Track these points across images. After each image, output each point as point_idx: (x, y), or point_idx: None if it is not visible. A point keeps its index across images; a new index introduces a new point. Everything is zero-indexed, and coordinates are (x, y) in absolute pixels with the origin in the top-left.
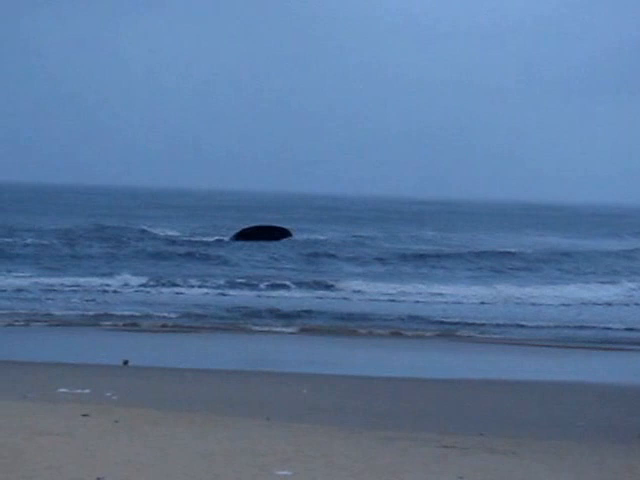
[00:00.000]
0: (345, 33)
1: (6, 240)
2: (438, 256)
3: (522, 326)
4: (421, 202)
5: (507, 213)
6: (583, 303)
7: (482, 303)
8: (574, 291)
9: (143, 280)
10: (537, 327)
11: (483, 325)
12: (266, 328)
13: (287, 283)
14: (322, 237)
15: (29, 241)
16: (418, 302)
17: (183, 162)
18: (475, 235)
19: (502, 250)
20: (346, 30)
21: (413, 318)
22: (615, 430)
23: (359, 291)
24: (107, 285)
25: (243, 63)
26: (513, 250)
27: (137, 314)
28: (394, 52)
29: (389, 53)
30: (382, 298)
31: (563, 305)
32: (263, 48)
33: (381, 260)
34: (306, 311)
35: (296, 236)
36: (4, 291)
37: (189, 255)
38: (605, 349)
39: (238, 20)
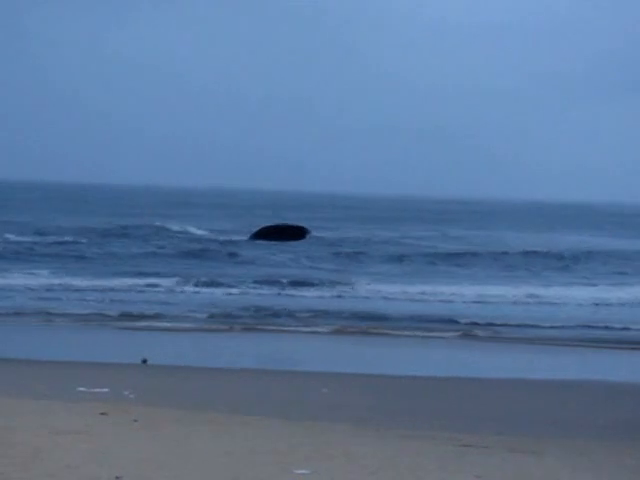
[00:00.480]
0: (355, 33)
1: (43, 239)
2: (474, 254)
3: (538, 326)
4: (437, 201)
5: (522, 211)
6: (608, 304)
7: (512, 303)
8: (600, 291)
9: (167, 280)
10: (558, 327)
11: (505, 325)
12: (286, 327)
13: (309, 281)
14: (340, 236)
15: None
16: (442, 301)
17: (193, 161)
18: (503, 233)
19: (536, 249)
20: (355, 30)
21: (434, 318)
22: (635, 429)
23: (379, 291)
24: (138, 285)
25: (255, 62)
26: (544, 249)
27: (160, 313)
28: (408, 54)
29: (401, 54)
30: (401, 297)
31: (594, 305)
32: (271, 46)
33: (406, 258)
34: (324, 311)
35: (314, 234)
36: (32, 290)
37: (206, 254)
38: (627, 348)
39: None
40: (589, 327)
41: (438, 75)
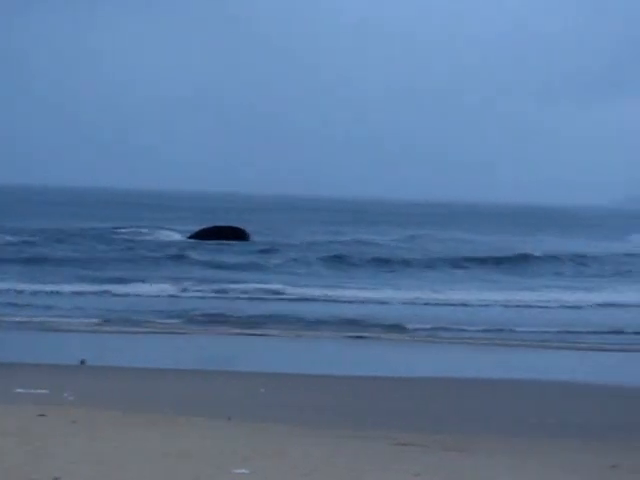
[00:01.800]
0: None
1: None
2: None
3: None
4: (406, 204)
5: (505, 214)
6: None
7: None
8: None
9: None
10: (481, 330)
11: (443, 328)
12: (221, 329)
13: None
14: (280, 240)
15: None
16: (380, 303)
17: (150, 163)
18: (500, 237)
19: (536, 254)
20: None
21: (369, 321)
22: (584, 428)
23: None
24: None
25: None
26: (537, 254)
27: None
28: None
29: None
30: (341, 300)
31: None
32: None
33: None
34: (262, 314)
35: (255, 237)
36: None
37: (138, 254)
38: (555, 348)
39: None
40: (512, 329)
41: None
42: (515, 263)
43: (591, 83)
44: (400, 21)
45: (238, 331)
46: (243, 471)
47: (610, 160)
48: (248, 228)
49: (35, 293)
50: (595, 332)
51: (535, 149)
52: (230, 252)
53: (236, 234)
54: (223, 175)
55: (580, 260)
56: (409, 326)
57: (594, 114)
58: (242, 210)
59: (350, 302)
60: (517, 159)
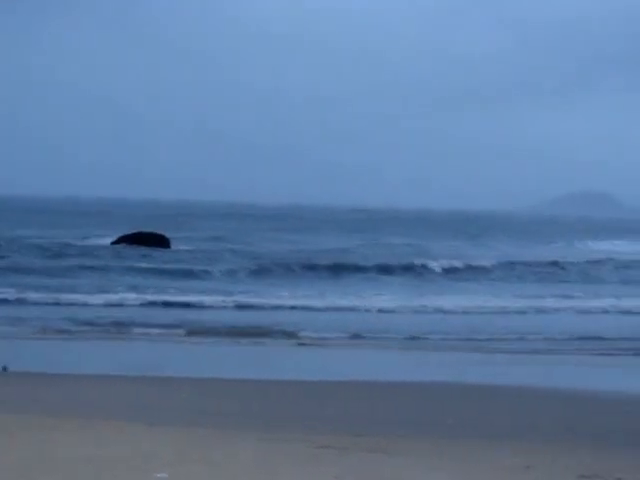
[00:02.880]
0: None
1: None
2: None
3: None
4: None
5: (420, 219)
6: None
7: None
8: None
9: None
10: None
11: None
12: (147, 331)
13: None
14: (200, 247)
15: None
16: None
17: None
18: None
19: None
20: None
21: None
22: (483, 428)
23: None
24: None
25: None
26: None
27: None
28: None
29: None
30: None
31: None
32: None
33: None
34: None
35: (175, 246)
36: None
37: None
38: (482, 351)
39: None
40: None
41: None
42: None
43: (502, 92)
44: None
45: (158, 335)
46: (163, 475)
47: (522, 166)
48: (174, 235)
49: None
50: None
51: (446, 156)
52: (149, 259)
53: (157, 240)
54: (147, 181)
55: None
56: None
57: (504, 121)
58: (171, 217)
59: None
60: (423, 165)
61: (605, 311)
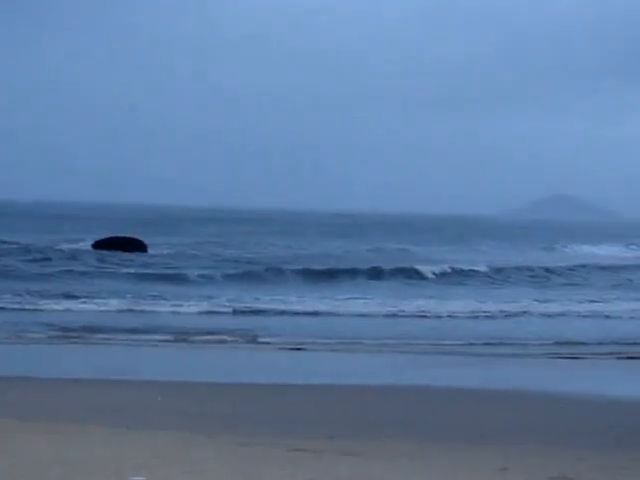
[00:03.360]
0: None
1: None
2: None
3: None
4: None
5: (406, 224)
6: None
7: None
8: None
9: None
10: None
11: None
12: (119, 337)
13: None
14: (179, 251)
15: None
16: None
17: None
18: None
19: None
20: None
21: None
22: (456, 430)
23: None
24: None
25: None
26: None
27: None
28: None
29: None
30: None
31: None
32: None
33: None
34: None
35: (152, 250)
36: None
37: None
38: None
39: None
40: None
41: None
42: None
43: (478, 98)
44: None
45: (126, 339)
46: (140, 478)
47: (493, 172)
48: (150, 240)
49: None
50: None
51: (428, 160)
52: (126, 263)
53: (134, 245)
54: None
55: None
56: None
57: (477, 126)
58: (154, 221)
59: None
60: (407, 170)
61: (582, 315)
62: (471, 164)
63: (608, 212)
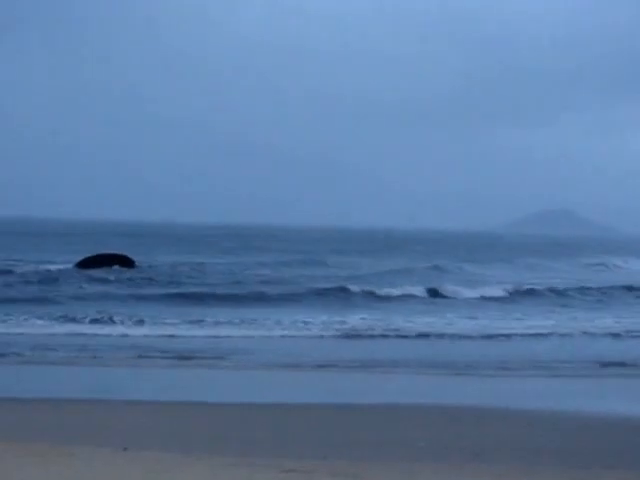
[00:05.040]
0: None
1: None
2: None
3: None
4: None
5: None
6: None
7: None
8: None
9: None
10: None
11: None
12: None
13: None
14: (167, 267)
15: None
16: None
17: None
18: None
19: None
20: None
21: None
22: (451, 450)
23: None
24: None
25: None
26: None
27: None
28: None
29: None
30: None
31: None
32: None
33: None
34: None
35: (140, 265)
36: None
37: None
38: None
39: None
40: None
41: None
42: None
43: (466, 111)
44: None
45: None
46: None
47: (481, 188)
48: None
49: None
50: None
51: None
52: (116, 281)
53: (121, 261)
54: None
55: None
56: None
57: (466, 140)
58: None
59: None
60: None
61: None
62: (463, 178)
63: (605, 227)
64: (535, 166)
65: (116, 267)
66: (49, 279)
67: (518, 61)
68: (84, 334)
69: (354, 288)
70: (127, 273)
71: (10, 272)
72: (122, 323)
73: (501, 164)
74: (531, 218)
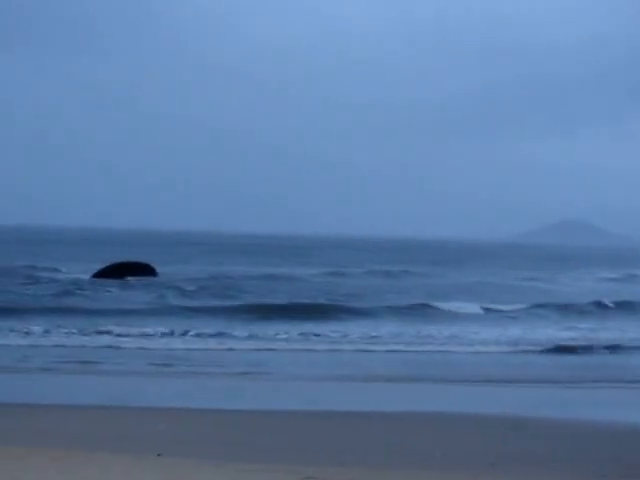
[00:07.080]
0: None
1: None
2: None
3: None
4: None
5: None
6: None
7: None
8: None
9: None
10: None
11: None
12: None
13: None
14: (188, 276)
15: None
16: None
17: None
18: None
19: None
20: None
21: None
22: (467, 459)
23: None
24: None
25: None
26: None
27: None
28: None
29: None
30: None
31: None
32: None
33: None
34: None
35: (162, 274)
36: None
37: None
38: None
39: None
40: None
41: None
42: None
43: (483, 121)
44: None
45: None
46: None
47: (497, 197)
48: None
49: None
50: None
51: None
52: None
53: (143, 270)
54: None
55: None
56: None
57: (483, 151)
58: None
59: None
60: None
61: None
62: (481, 188)
63: (619, 236)
64: (550, 177)
65: (139, 277)
66: (72, 289)
67: (535, 70)
68: (147, 348)
69: None
70: (151, 282)
71: (36, 281)
72: (198, 336)
73: (517, 175)
74: (548, 228)
